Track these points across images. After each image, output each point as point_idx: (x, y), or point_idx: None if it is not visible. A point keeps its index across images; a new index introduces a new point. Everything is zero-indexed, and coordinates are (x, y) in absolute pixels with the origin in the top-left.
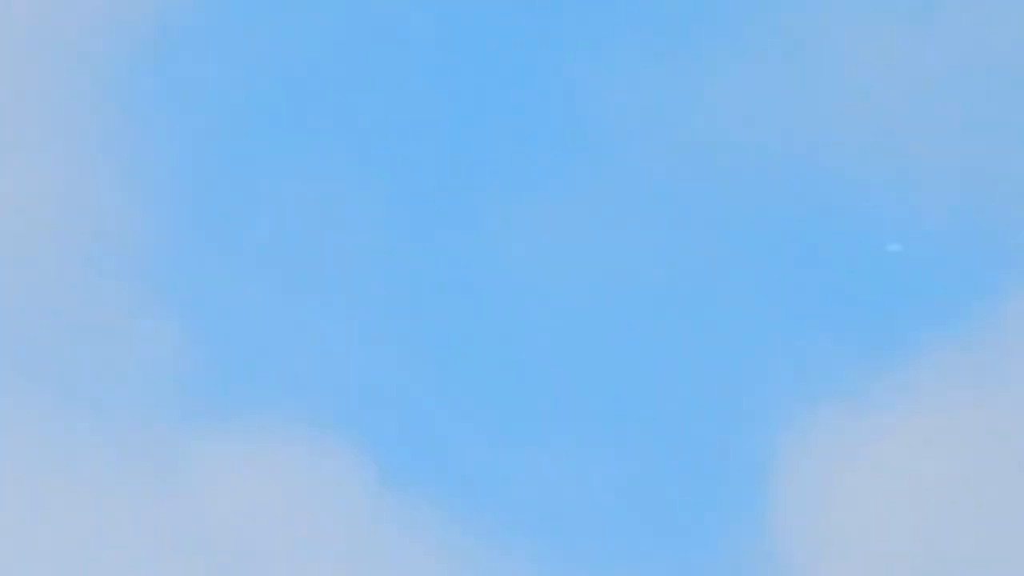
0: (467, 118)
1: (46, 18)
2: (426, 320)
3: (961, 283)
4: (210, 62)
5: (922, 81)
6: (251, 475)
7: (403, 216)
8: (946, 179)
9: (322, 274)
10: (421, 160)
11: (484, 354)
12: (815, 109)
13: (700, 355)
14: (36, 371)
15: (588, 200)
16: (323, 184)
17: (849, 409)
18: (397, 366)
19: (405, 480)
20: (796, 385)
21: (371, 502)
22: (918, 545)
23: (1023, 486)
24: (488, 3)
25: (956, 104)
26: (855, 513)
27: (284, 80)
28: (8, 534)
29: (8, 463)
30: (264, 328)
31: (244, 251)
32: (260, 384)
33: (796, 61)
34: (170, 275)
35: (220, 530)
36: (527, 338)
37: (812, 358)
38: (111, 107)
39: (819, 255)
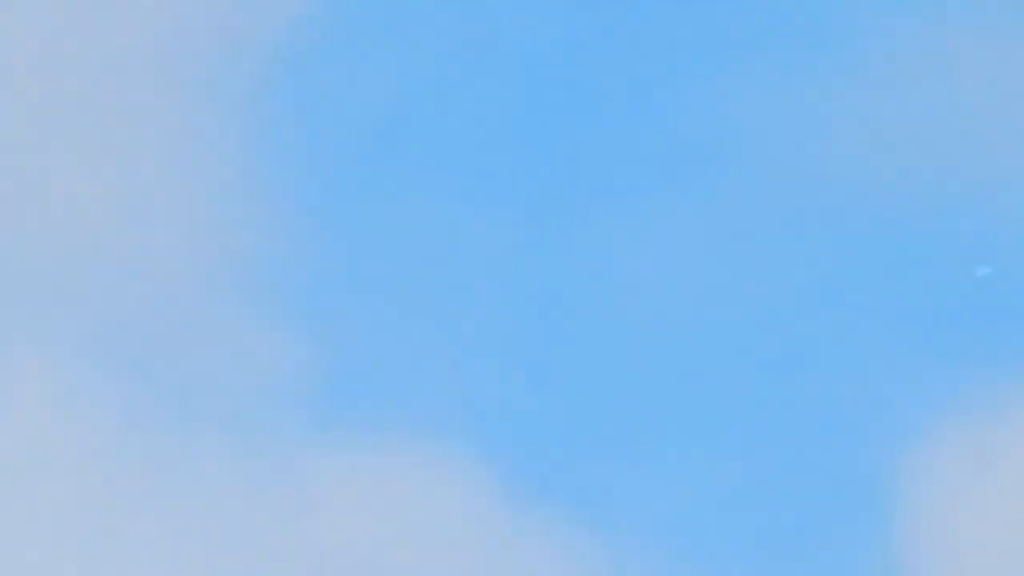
0: (591, 133)
1: (174, 37)
2: (548, 332)
3: None
4: (337, 78)
5: None
6: (373, 486)
7: (526, 230)
8: None
9: (446, 287)
10: (543, 175)
11: (607, 365)
12: (929, 130)
13: (823, 369)
14: (162, 383)
15: (708, 216)
16: (446, 197)
17: (974, 424)
18: (521, 378)
19: (528, 490)
20: (921, 401)
21: (494, 513)
22: None
23: None
24: (615, 18)
25: None
26: (981, 530)
27: (409, 95)
28: (134, 542)
29: (133, 474)
30: (387, 340)
31: (369, 265)
32: (383, 395)
33: (912, 85)
34: (295, 289)
35: (342, 540)
36: (650, 349)
37: (936, 374)
38: (238, 124)
39: (939, 271)
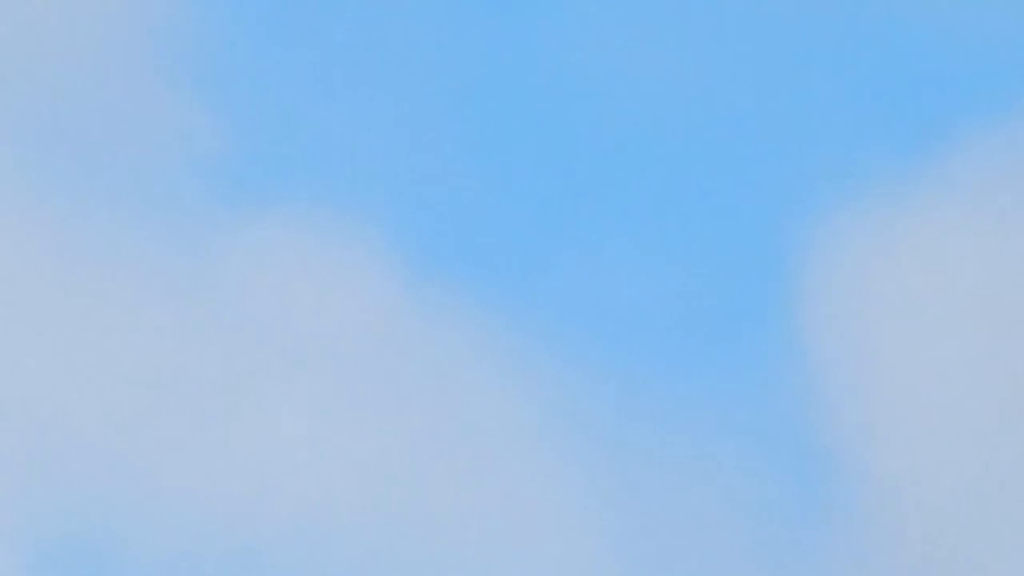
0: None
1: None
2: (467, 109)
3: (1008, 71)
4: None
5: None
6: (284, 260)
7: (451, 6)
8: None
9: (372, 63)
10: None
11: (526, 144)
12: None
13: (737, 149)
14: (83, 162)
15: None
16: None
17: (889, 203)
18: (437, 154)
19: (435, 267)
20: (834, 179)
21: (400, 288)
22: (954, 341)
23: None
24: None
25: None
26: (890, 310)
27: None
28: (50, 319)
29: (54, 250)
30: (306, 116)
31: (291, 40)
32: (297, 171)
33: None
34: (215, 64)
35: (253, 313)
36: (573, 128)
37: (850, 151)
38: None
39: (860, 47)
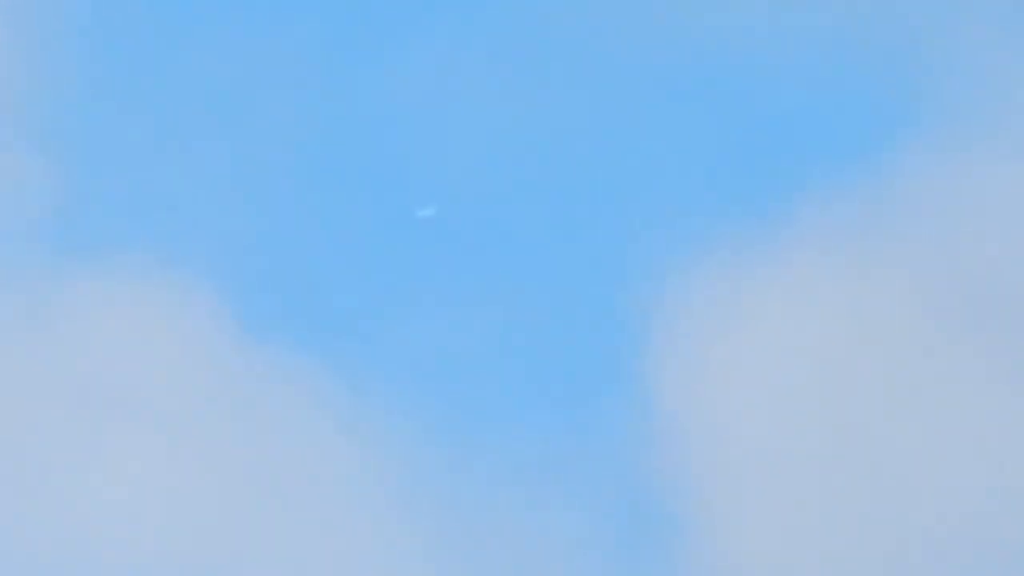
0: None
1: None
2: (304, 169)
3: (848, 137)
4: None
5: None
6: (114, 315)
7: (287, 60)
8: (839, 28)
9: (200, 121)
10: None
11: (362, 203)
12: None
13: (582, 210)
14: None
15: (489, 49)
16: (208, 31)
17: (736, 261)
18: (269, 212)
19: (266, 320)
20: (680, 239)
21: (229, 345)
22: (796, 398)
23: (904, 343)
24: None
25: None
26: (734, 366)
27: None
28: None
29: None
30: (140, 171)
31: (126, 96)
32: (131, 225)
33: None
34: (49, 119)
35: (82, 366)
36: (407, 183)
37: (695, 212)
38: None
39: (703, 109)
